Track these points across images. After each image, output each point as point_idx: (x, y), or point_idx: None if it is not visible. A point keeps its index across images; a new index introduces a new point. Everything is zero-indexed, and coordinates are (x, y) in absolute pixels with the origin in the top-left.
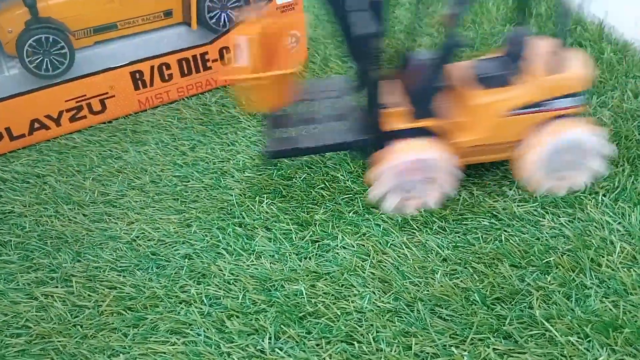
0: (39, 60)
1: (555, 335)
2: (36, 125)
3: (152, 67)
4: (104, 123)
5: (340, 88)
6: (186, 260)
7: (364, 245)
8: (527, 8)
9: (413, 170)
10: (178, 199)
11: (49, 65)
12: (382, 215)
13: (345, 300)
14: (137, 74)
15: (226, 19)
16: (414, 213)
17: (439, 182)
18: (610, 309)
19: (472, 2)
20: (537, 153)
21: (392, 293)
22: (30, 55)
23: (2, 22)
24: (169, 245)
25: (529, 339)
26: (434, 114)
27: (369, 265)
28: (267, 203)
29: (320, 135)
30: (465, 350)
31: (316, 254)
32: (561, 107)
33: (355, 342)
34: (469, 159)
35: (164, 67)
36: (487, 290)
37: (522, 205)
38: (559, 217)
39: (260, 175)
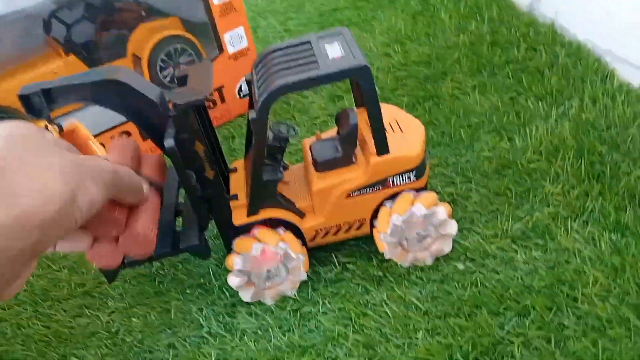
0: None
1: None
2: None
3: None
4: None
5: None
6: (171, 349)
7: (344, 308)
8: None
9: (264, 261)
10: (155, 278)
11: None
12: (358, 271)
13: None
14: None
15: None
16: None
17: (292, 270)
18: (590, 348)
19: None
20: (387, 230)
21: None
22: None
23: None
24: (151, 335)
25: None
26: (276, 203)
27: (352, 332)
28: None
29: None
30: None
31: (299, 325)
32: (399, 184)
33: None
34: (323, 240)
35: None
36: (468, 345)
37: (493, 242)
38: (531, 250)
39: None
